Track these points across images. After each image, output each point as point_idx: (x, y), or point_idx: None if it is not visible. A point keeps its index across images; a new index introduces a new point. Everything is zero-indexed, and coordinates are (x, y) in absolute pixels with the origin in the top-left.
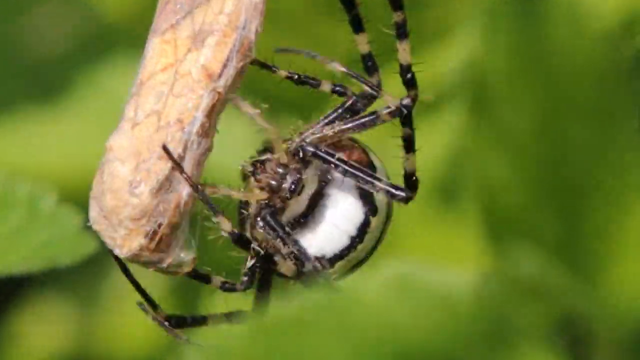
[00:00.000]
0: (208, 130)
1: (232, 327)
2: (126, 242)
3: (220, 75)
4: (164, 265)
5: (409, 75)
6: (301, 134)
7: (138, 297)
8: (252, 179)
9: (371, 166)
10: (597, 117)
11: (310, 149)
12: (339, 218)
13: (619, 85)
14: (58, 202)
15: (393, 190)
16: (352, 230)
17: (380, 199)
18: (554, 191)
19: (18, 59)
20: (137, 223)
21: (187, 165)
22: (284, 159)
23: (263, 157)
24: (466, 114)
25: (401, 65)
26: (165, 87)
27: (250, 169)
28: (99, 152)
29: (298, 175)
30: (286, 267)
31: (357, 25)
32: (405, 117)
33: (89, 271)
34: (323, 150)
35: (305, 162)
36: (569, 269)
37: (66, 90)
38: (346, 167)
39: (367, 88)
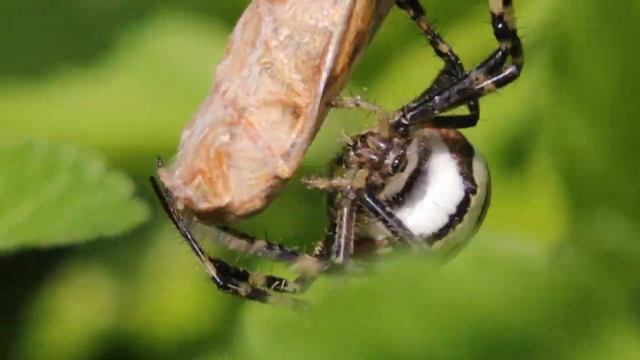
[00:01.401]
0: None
1: (299, 298)
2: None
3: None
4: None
5: (500, 25)
6: (403, 109)
7: (183, 269)
8: (352, 155)
9: (468, 148)
10: None
11: (414, 119)
12: (438, 196)
13: None
14: (105, 168)
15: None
16: (452, 208)
17: (480, 179)
18: (639, 155)
19: (61, 16)
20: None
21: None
22: (386, 135)
23: (364, 132)
24: (545, 73)
25: (493, 15)
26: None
27: (352, 143)
28: (147, 117)
29: (401, 151)
30: (383, 250)
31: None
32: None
33: (130, 243)
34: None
35: (407, 138)
36: None
37: (111, 50)
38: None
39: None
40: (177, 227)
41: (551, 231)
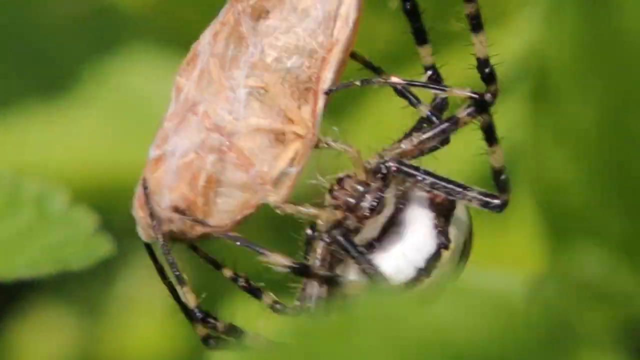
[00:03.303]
0: None
1: (267, 332)
2: None
3: None
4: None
5: (487, 70)
6: (381, 152)
7: (148, 305)
8: (328, 197)
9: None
10: None
11: (394, 164)
12: (408, 247)
13: None
14: (69, 202)
15: (485, 198)
16: (421, 262)
17: (455, 233)
18: (620, 189)
19: (24, 50)
20: None
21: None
22: (364, 177)
23: (342, 175)
24: (526, 105)
25: (479, 60)
26: None
27: (327, 186)
28: (111, 149)
29: (379, 194)
30: (355, 286)
31: (421, 37)
32: (484, 109)
33: (94, 278)
34: (407, 164)
35: (385, 181)
36: (636, 271)
37: (76, 84)
38: (433, 179)
39: (436, 92)
40: (164, 280)
41: (530, 265)
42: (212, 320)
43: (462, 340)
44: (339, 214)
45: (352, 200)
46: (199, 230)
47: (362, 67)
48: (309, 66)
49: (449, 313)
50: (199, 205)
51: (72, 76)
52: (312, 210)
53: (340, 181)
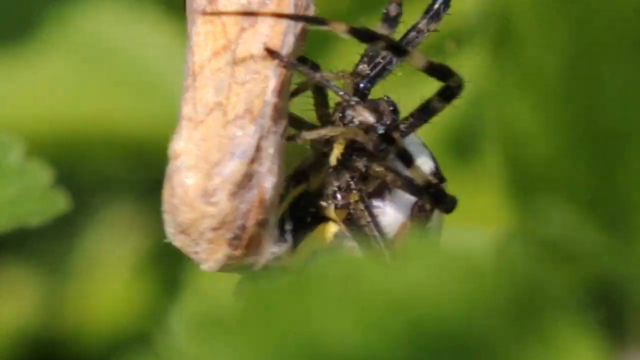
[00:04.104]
0: (282, 112)
1: (224, 294)
2: (211, 255)
3: (282, 48)
4: (259, 266)
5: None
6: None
7: (112, 263)
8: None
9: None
10: (637, 55)
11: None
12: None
13: None
14: (26, 155)
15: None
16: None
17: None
18: (587, 139)
19: None
20: (218, 233)
21: (267, 158)
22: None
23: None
24: (487, 52)
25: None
26: (224, 75)
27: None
28: (72, 99)
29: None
30: (338, 213)
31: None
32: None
33: (54, 237)
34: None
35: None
36: (605, 227)
37: (34, 28)
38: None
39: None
40: None
41: (497, 221)
42: None
43: (427, 301)
44: (359, 132)
45: (369, 118)
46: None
47: None
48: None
49: (412, 273)
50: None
51: (31, 20)
52: (334, 129)
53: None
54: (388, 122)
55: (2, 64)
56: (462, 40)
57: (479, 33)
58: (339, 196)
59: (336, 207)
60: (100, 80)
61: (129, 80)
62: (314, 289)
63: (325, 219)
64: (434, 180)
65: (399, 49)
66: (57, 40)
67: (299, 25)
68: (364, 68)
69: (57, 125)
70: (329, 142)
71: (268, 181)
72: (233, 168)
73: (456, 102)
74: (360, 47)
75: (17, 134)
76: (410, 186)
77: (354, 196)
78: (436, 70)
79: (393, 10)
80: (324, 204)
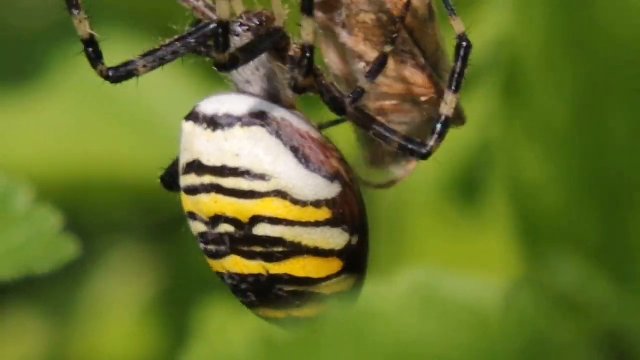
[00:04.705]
0: None
1: (236, 339)
2: None
3: None
4: None
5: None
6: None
7: (119, 306)
8: None
9: None
10: None
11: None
12: None
13: None
14: (33, 200)
15: (410, 146)
16: None
17: None
18: (596, 189)
19: None
20: None
21: None
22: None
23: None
24: (496, 100)
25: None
26: None
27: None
28: (78, 143)
29: None
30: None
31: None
32: None
33: (61, 280)
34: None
35: None
36: (613, 278)
37: (43, 71)
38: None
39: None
40: None
41: (505, 269)
42: None
43: (434, 350)
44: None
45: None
46: None
47: None
48: None
49: (419, 321)
50: None
51: (40, 65)
52: None
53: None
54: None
55: (10, 106)
56: (471, 88)
57: (486, 78)
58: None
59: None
60: (105, 124)
61: (134, 124)
62: (325, 341)
63: None
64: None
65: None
66: (63, 83)
67: None
68: None
69: (62, 168)
70: None
71: None
72: None
73: (465, 147)
74: None
75: (24, 179)
76: None
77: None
78: None
79: None
80: None
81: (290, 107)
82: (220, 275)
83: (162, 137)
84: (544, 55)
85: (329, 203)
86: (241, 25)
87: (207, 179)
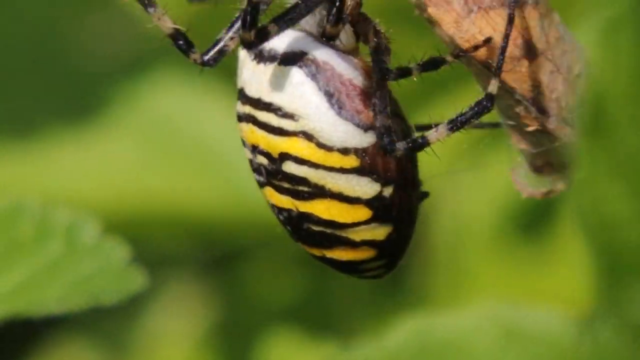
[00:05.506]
0: None
1: None
2: None
3: None
4: None
5: None
6: None
7: (174, 340)
8: None
9: None
10: None
11: None
12: None
13: None
14: (100, 232)
15: (384, 139)
16: None
17: None
18: None
19: (55, 73)
20: None
21: None
22: None
23: None
24: (580, 138)
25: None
26: None
27: None
28: (142, 178)
29: None
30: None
31: None
32: None
33: (119, 310)
34: None
35: None
36: None
37: (105, 108)
38: None
39: None
40: None
41: (573, 303)
42: None
43: None
44: None
45: None
46: None
47: None
48: None
49: (500, 353)
50: None
51: (103, 100)
52: None
53: None
54: None
55: (76, 142)
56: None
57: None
58: None
59: None
60: (164, 160)
61: (192, 160)
62: None
63: None
64: None
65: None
66: (124, 119)
67: None
68: None
69: (122, 203)
70: None
71: None
72: None
73: None
74: None
75: (91, 212)
76: None
77: None
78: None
79: None
80: None
81: (345, 51)
82: (269, 205)
83: (219, 173)
84: (631, 91)
85: (359, 152)
86: None
87: (247, 109)
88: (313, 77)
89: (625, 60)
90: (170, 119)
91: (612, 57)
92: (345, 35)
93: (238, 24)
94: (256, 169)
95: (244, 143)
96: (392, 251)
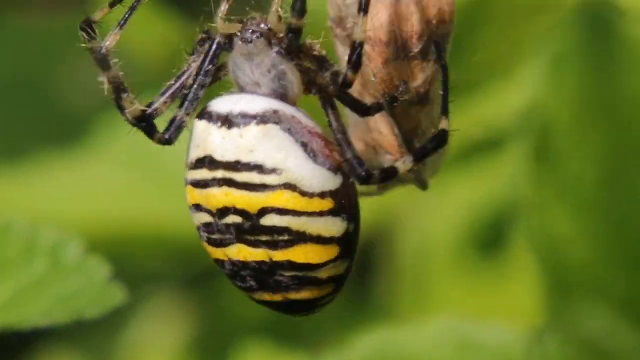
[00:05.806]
0: None
1: None
2: None
3: None
4: None
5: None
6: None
7: (155, 353)
8: None
9: None
10: None
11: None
12: None
13: None
14: (84, 251)
15: (355, 166)
16: None
17: None
18: (622, 246)
19: (40, 100)
20: None
21: None
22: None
23: None
24: (526, 161)
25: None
26: None
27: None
28: (123, 199)
29: None
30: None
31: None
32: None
33: (104, 324)
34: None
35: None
36: (636, 328)
37: (89, 133)
38: None
39: None
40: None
41: (525, 318)
42: None
43: None
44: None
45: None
46: None
47: None
48: None
49: None
50: None
51: (87, 125)
52: None
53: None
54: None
55: (60, 165)
56: (498, 146)
57: (519, 140)
58: None
59: None
60: (145, 184)
61: (171, 184)
62: None
63: None
64: None
65: None
66: (109, 144)
67: None
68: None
69: (105, 223)
70: None
71: None
72: None
73: (491, 203)
74: None
75: (75, 231)
76: None
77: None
78: None
79: None
80: None
81: (294, 104)
82: (219, 262)
83: None
84: (572, 120)
85: (333, 193)
86: (252, 32)
87: (220, 174)
88: (289, 131)
89: (569, 93)
90: (150, 144)
91: (557, 90)
92: (297, 86)
93: (189, 100)
94: (220, 229)
95: (198, 208)
96: (343, 282)
